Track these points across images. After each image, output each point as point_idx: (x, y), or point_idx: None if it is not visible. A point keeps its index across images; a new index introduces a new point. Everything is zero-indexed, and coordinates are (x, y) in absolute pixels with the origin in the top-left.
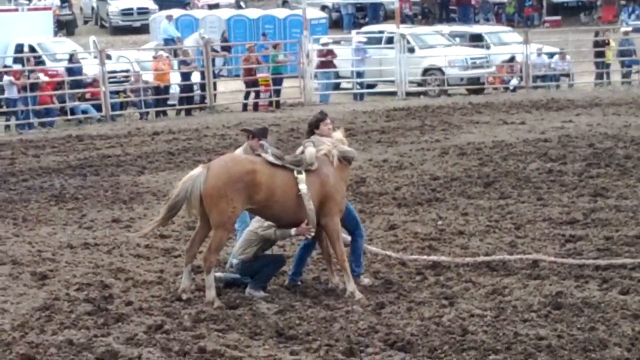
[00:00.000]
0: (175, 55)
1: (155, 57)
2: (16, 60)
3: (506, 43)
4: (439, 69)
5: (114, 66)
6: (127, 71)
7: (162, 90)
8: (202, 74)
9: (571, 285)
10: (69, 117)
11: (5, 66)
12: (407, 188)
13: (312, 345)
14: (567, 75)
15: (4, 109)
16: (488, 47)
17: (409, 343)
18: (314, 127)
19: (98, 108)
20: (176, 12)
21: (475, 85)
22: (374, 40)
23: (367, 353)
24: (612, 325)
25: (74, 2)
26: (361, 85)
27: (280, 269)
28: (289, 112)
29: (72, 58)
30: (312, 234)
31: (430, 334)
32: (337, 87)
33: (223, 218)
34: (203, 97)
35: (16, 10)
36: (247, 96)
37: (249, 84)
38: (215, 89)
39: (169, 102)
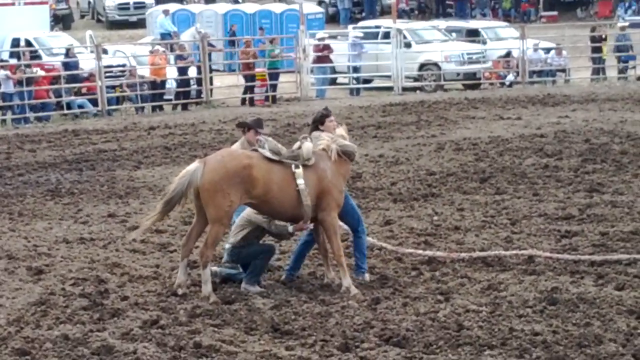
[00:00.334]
0: (172, 49)
1: (151, 52)
2: (12, 55)
3: (502, 38)
4: (436, 64)
5: (110, 61)
6: (123, 66)
7: (158, 85)
8: (199, 68)
9: (566, 280)
10: (65, 111)
11: (1, 60)
12: (403, 183)
13: (308, 340)
14: (564, 70)
15: (0, 103)
16: (484, 43)
17: (404, 338)
18: (318, 123)
19: (94, 102)
20: (173, 7)
21: (471, 81)
22: (371, 35)
23: (362, 348)
24: (607, 321)
25: None
26: (357, 80)
27: (271, 258)
28: (285, 106)
29: (68, 52)
30: (311, 227)
31: (425, 330)
32: (333, 82)
33: (220, 213)
34: (199, 92)
35: (13, 4)
36: (246, 91)
37: (247, 78)
38: (211, 83)
39: (165, 97)
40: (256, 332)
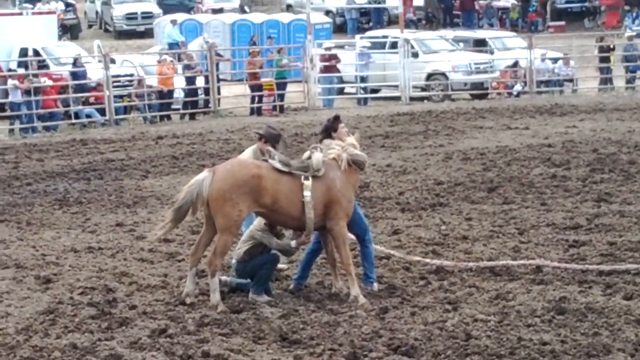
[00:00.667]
0: (180, 59)
1: (159, 62)
2: (20, 64)
3: (510, 48)
4: (443, 74)
5: (118, 70)
6: (131, 75)
7: (166, 95)
8: (206, 78)
9: (575, 290)
10: (73, 121)
11: (9, 70)
12: (410, 193)
13: (316, 349)
14: (571, 80)
15: (8, 113)
16: (492, 52)
17: (412, 348)
18: (331, 129)
19: (102, 112)
20: (180, 17)
21: (479, 90)
22: (378, 45)
23: (370, 357)
24: (615, 331)
25: (78, 7)
26: (365, 90)
27: (275, 267)
28: (293, 116)
29: (76, 62)
30: (311, 240)
31: (433, 339)
32: (341, 91)
33: (228, 222)
34: (207, 102)
35: (20, 14)
36: (253, 100)
37: (253, 88)
38: (219, 93)
39: (173, 107)
40: (264, 341)
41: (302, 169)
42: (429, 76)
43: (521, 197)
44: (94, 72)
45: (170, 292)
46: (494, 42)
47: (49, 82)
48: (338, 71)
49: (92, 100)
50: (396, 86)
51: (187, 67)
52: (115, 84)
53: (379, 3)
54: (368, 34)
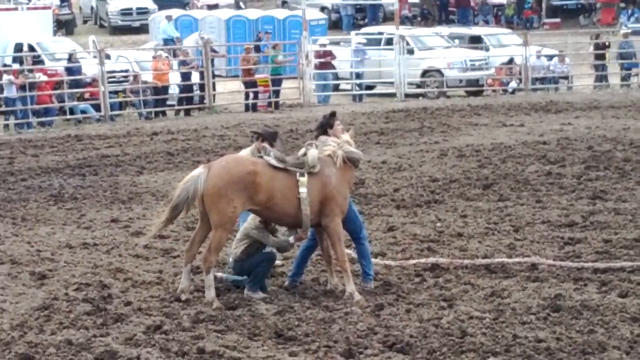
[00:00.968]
0: (175, 55)
1: (154, 57)
2: (15, 60)
3: (505, 45)
4: (438, 71)
5: (113, 66)
6: (126, 71)
7: (161, 91)
8: (201, 74)
9: (570, 287)
10: (68, 116)
11: (4, 65)
12: (406, 190)
13: (311, 346)
14: (566, 77)
15: (3, 108)
16: (487, 49)
17: (407, 345)
18: (327, 126)
19: (97, 108)
20: (176, 12)
21: (474, 87)
22: (373, 42)
23: (366, 354)
24: (611, 328)
25: (73, 2)
26: (360, 86)
27: (272, 265)
28: (288, 112)
29: (71, 57)
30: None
31: (429, 336)
32: (336, 88)
33: (223, 218)
34: (202, 98)
35: (15, 9)
36: (247, 97)
37: (248, 85)
38: (214, 89)
39: (168, 103)
40: (259, 337)
41: (298, 165)
42: (424, 73)
43: (516, 195)
44: (89, 68)
45: (166, 288)
46: (489, 39)
47: (44, 78)
48: (333, 67)
49: (87, 96)
50: (391, 83)
51: (182, 63)
52: (110, 79)
53: None
54: (363, 30)
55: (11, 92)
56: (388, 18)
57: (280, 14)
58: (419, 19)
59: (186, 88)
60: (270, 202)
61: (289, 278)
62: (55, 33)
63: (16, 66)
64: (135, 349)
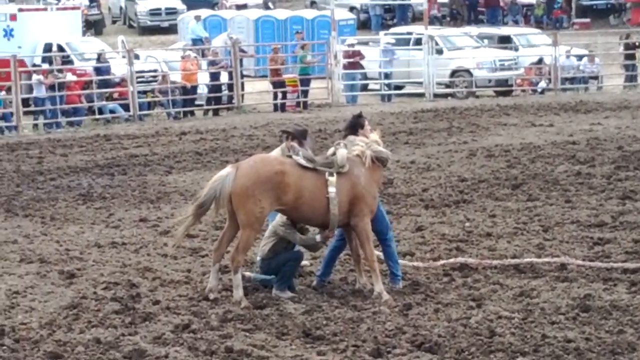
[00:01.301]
0: (203, 55)
1: (183, 57)
2: (44, 60)
3: (535, 45)
4: (467, 71)
5: (142, 66)
6: (155, 71)
7: (189, 91)
8: (230, 74)
9: (599, 287)
10: (97, 116)
11: (34, 65)
12: (434, 189)
13: (339, 345)
14: (596, 77)
15: (33, 108)
16: (516, 49)
17: (436, 344)
18: (359, 126)
19: (126, 108)
20: (204, 13)
21: (503, 87)
22: (402, 42)
23: (394, 354)
24: None
25: (102, 2)
26: (389, 86)
27: (300, 264)
28: (317, 112)
29: (100, 57)
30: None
31: (457, 336)
32: (364, 88)
33: (251, 218)
34: (231, 98)
35: (45, 9)
36: (275, 97)
37: (276, 85)
38: (243, 89)
39: (197, 102)
40: (288, 337)
41: (327, 165)
42: (453, 73)
43: (545, 194)
44: (118, 68)
45: (194, 287)
46: (518, 39)
47: (73, 78)
48: (362, 67)
49: (115, 95)
50: (420, 83)
51: (211, 63)
52: (139, 79)
53: None
54: (392, 30)
55: (40, 92)
56: (417, 18)
57: (309, 14)
58: (448, 19)
59: (215, 88)
60: (299, 201)
61: (317, 278)
62: (84, 33)
63: (45, 66)
64: (163, 348)
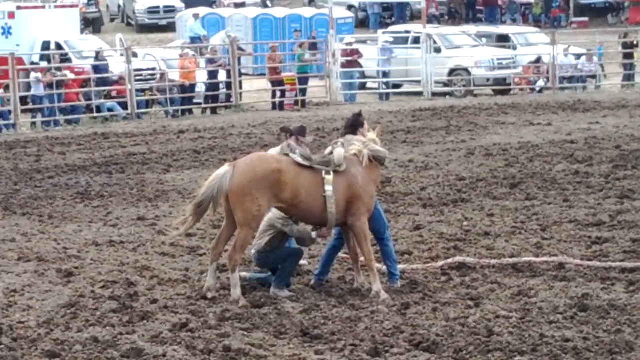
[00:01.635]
0: (201, 53)
1: (181, 56)
2: (43, 58)
3: (533, 44)
4: (465, 70)
5: (140, 64)
6: (153, 69)
7: (187, 89)
8: (228, 72)
9: (597, 287)
10: (95, 114)
11: (32, 63)
12: (432, 188)
13: (337, 344)
14: (594, 76)
15: (30, 106)
16: (515, 48)
17: (434, 344)
18: (359, 125)
19: (124, 106)
20: (203, 11)
21: (501, 86)
22: (400, 40)
23: (392, 353)
24: (638, 328)
25: (100, 0)
26: (387, 85)
27: (299, 262)
28: (315, 111)
29: (98, 56)
30: (331, 234)
31: (455, 335)
32: (363, 86)
33: (248, 217)
34: (229, 96)
35: (43, 7)
36: (274, 95)
37: (274, 83)
38: (241, 87)
39: (195, 101)
40: (285, 336)
41: (324, 163)
42: (452, 72)
43: (543, 194)
44: (116, 66)
45: (192, 286)
46: (516, 38)
47: (71, 76)
48: (360, 66)
49: (114, 94)
50: (418, 81)
51: (209, 61)
52: (137, 77)
53: None
54: (390, 29)
55: (38, 90)
56: (415, 17)
57: (307, 12)
58: (446, 17)
59: (213, 86)
60: (296, 200)
61: (315, 277)
62: (82, 31)
63: (44, 64)
64: (161, 347)
